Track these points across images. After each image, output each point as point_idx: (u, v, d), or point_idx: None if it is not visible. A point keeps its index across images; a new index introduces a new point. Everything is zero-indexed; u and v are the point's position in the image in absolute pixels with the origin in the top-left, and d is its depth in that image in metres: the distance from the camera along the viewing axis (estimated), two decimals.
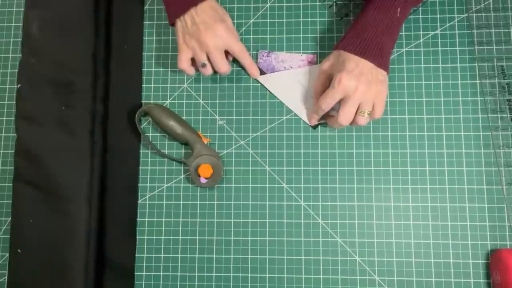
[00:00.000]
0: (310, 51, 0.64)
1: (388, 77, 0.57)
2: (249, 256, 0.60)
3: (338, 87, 0.54)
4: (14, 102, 0.65)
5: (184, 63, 0.60)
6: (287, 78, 0.63)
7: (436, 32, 0.63)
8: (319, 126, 0.62)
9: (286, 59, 0.64)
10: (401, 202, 0.60)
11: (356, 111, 0.55)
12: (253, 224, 0.61)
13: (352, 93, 0.53)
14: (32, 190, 0.61)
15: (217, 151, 0.63)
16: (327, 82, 0.58)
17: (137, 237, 0.62)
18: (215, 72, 0.61)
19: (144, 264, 0.61)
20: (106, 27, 0.65)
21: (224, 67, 0.59)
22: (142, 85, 0.65)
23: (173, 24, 0.59)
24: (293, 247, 0.60)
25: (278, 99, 0.63)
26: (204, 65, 0.59)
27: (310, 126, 0.62)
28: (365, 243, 0.60)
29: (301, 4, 0.65)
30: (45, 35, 0.64)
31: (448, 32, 0.63)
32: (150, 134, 0.64)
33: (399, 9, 0.54)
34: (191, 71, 0.61)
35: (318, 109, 0.58)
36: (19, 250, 0.60)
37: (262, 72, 0.64)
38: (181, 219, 0.62)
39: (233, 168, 0.62)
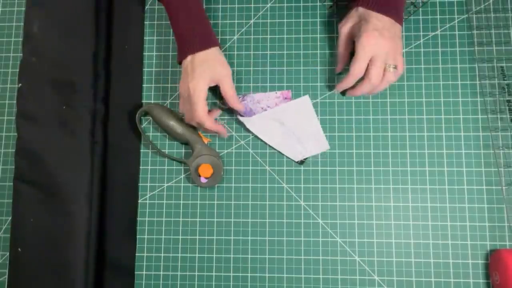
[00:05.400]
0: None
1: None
2: (249, 256, 0.61)
3: (368, 47, 0.55)
4: (14, 102, 0.65)
5: (181, 105, 0.60)
6: (266, 119, 0.62)
7: (436, 32, 0.63)
8: (304, 163, 0.62)
9: (261, 99, 0.63)
10: (400, 202, 0.60)
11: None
12: (253, 224, 0.61)
13: (380, 51, 0.55)
14: (32, 190, 0.61)
15: (217, 151, 0.63)
16: (350, 43, 0.59)
17: (137, 237, 0.62)
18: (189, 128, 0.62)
19: (144, 264, 0.61)
20: (107, 27, 0.66)
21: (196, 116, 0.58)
22: (142, 85, 0.65)
23: (180, 63, 0.60)
24: (293, 247, 0.60)
25: (262, 140, 0.62)
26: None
27: (296, 162, 0.62)
28: (365, 243, 0.60)
29: (301, 4, 0.65)
30: (46, 34, 0.64)
31: (448, 32, 0.63)
32: (151, 134, 0.64)
33: None
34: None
35: (351, 76, 0.57)
36: (19, 249, 0.60)
37: (241, 115, 0.62)
38: (181, 219, 0.62)
39: (233, 168, 0.63)
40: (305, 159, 0.62)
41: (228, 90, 0.58)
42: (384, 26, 0.55)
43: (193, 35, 0.58)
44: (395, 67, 0.56)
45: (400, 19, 0.57)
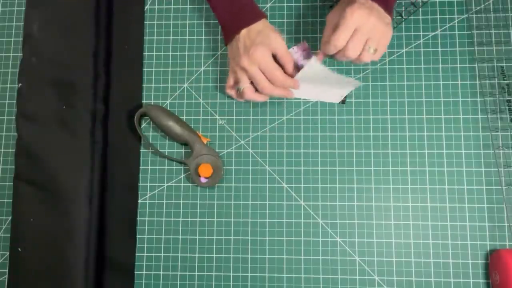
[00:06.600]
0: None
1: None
2: (249, 256, 0.61)
3: (351, 17, 0.52)
4: (14, 102, 0.65)
5: (228, 88, 0.61)
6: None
7: (436, 32, 0.63)
8: (346, 100, 0.63)
9: None
10: (400, 202, 0.60)
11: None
12: (253, 224, 0.61)
13: (363, 24, 0.52)
14: (32, 190, 0.61)
15: (217, 151, 0.63)
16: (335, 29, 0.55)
17: (137, 236, 0.62)
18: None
19: (144, 263, 0.61)
20: (107, 27, 0.66)
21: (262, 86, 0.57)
22: (143, 85, 0.65)
23: (227, 44, 0.60)
24: (293, 247, 0.60)
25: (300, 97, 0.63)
26: (238, 90, 0.59)
27: (340, 103, 0.62)
28: (365, 243, 0.60)
29: (301, 4, 0.65)
30: (46, 34, 0.64)
31: (448, 32, 0.63)
32: (150, 134, 0.64)
33: None
34: (236, 96, 0.62)
35: (331, 46, 0.54)
36: (19, 249, 0.60)
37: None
38: (181, 219, 0.62)
39: (233, 168, 0.63)
40: (345, 98, 0.62)
41: (286, 55, 0.57)
42: (373, 6, 0.52)
43: (244, 9, 0.58)
44: (375, 50, 0.53)
45: (389, 10, 0.54)
